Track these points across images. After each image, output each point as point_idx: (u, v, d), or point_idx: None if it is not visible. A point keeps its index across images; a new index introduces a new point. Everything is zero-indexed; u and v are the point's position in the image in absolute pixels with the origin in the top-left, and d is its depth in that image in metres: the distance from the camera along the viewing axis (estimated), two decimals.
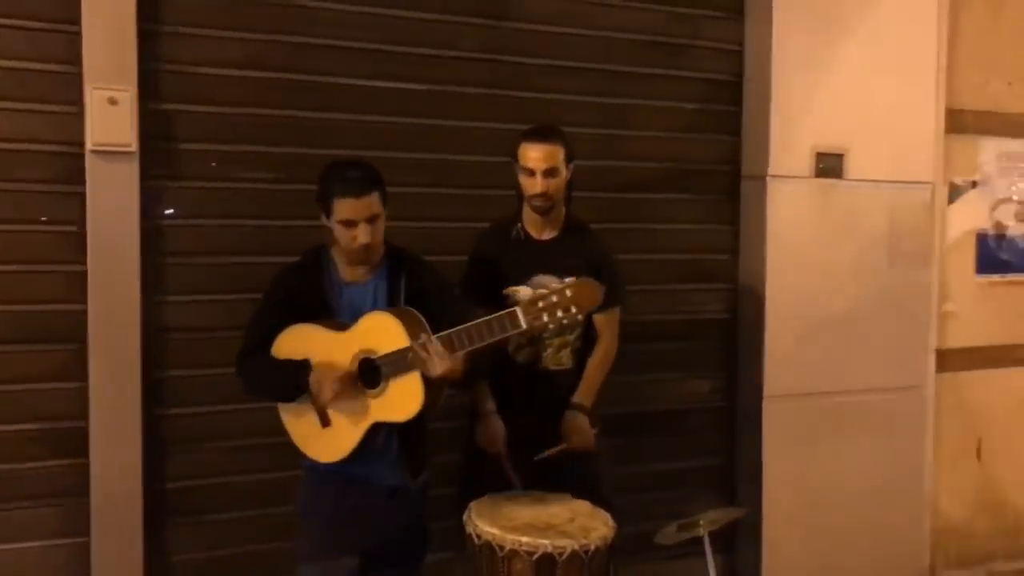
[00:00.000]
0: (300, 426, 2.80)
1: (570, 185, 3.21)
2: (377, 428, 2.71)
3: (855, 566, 4.22)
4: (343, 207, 2.63)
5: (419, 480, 2.86)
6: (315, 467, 2.79)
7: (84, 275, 3.11)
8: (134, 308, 3.16)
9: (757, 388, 4.03)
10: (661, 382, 4.06)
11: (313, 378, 2.65)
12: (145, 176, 3.17)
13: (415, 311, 2.69)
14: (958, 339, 4.41)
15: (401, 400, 2.66)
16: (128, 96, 3.09)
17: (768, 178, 3.97)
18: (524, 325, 2.53)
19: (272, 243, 3.33)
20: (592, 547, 2.67)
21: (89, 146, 3.07)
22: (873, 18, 4.10)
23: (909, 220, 4.24)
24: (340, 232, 2.67)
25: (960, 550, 4.47)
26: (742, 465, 4.16)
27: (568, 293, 2.54)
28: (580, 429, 3.12)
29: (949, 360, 4.39)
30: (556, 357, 3.16)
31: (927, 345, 4.32)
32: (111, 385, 3.14)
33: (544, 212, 3.12)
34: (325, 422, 2.74)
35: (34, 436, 3.12)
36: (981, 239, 4.45)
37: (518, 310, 2.54)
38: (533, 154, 3.06)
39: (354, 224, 2.63)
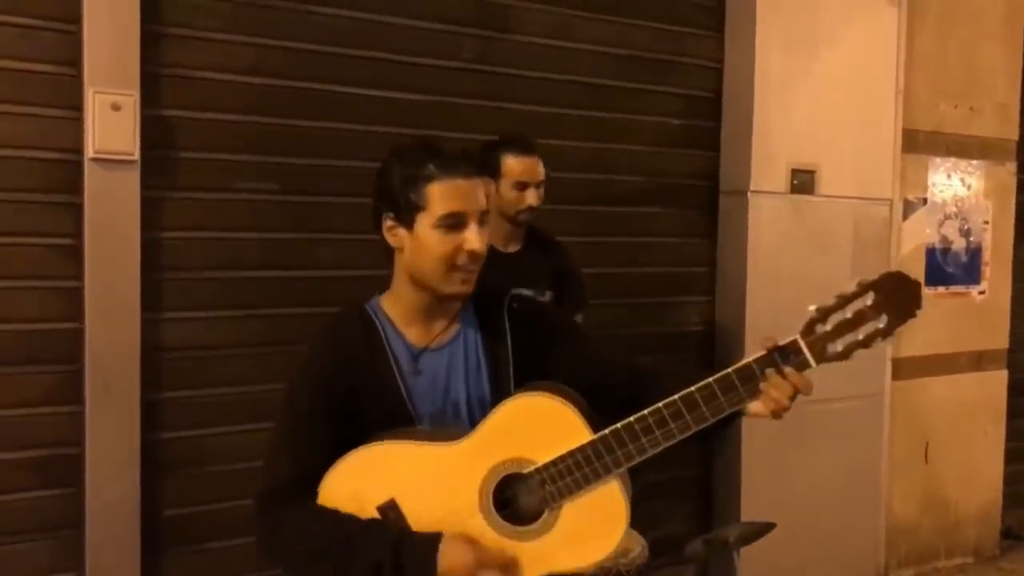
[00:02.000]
0: None
1: None
2: None
3: (818, 567, 4.37)
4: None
5: None
6: None
7: (80, 291, 2.90)
8: (134, 327, 2.97)
9: None
10: None
11: (449, 562, 1.62)
12: (145, 186, 2.98)
13: (570, 389, 1.74)
14: (909, 349, 4.62)
15: (590, 531, 1.70)
16: (131, 101, 2.90)
17: (749, 193, 4.07)
18: (813, 363, 1.66)
19: (274, 257, 3.21)
20: (633, 568, 2.68)
21: (89, 154, 2.86)
22: (843, 39, 4.25)
23: (871, 235, 4.42)
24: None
25: (909, 549, 4.70)
26: (718, 474, 4.25)
27: (869, 299, 1.64)
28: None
29: (902, 368, 4.60)
30: None
31: (885, 354, 4.52)
32: (108, 409, 2.94)
33: (526, 224, 3.11)
34: None
35: (25, 464, 2.89)
36: (930, 252, 4.68)
37: (800, 341, 1.66)
38: (525, 168, 3.04)
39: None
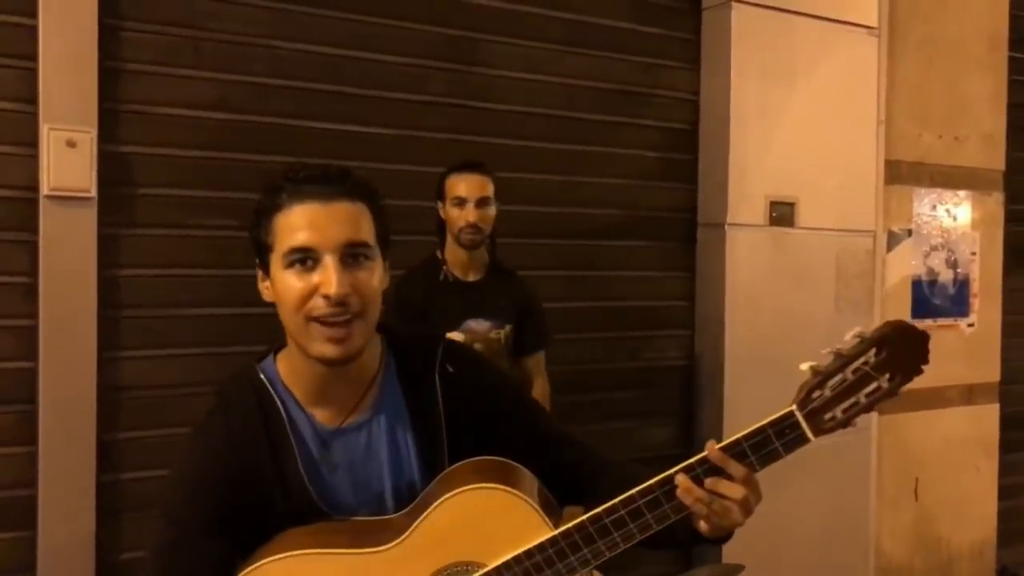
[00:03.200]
0: None
1: (494, 228, 3.14)
2: None
3: None
4: None
5: None
6: None
7: (35, 330, 2.86)
8: (89, 365, 2.93)
9: (717, 434, 4.00)
10: (617, 431, 4.03)
11: None
12: (102, 223, 2.95)
13: (514, 464, 1.46)
14: None
15: None
16: (88, 138, 2.88)
17: (727, 226, 4.01)
18: (811, 437, 1.40)
19: (235, 295, 3.16)
20: None
21: (44, 191, 2.84)
22: (821, 71, 4.21)
23: (853, 267, 4.35)
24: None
25: None
26: None
27: (872, 356, 1.39)
28: None
29: (888, 403, 4.50)
30: None
31: None
32: (63, 449, 2.89)
33: (473, 247, 3.06)
34: None
35: None
36: (916, 285, 4.61)
37: (796, 413, 1.40)
38: (464, 184, 3.03)
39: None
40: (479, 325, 3.06)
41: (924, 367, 1.41)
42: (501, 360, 3.12)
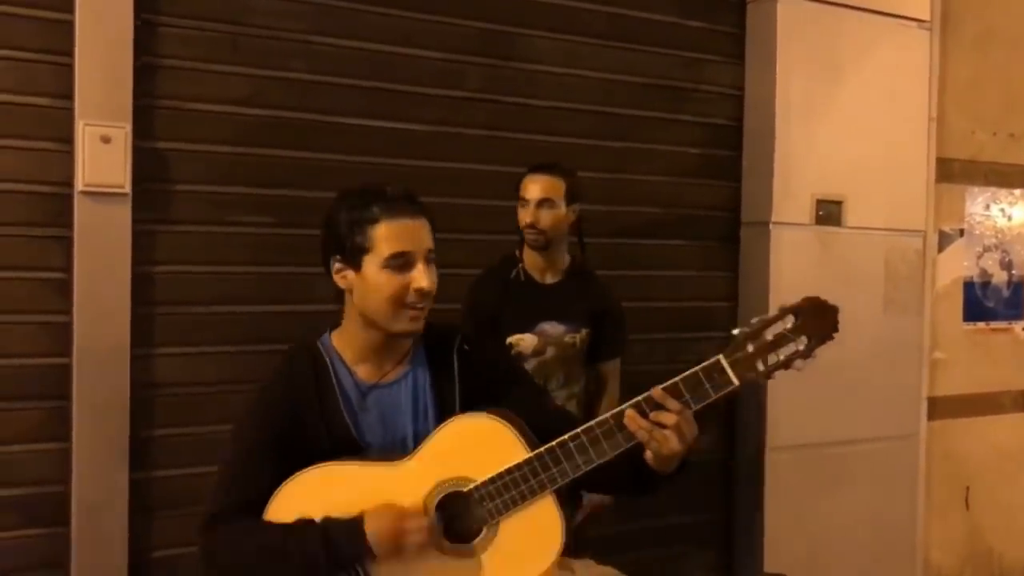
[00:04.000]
0: None
1: (578, 230, 3.11)
2: None
3: None
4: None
5: None
6: None
7: (69, 326, 2.85)
8: (123, 362, 2.91)
9: (759, 439, 3.94)
10: None
11: (374, 527, 1.68)
12: (137, 219, 2.93)
13: (505, 410, 1.81)
14: (946, 387, 4.40)
15: (527, 546, 1.76)
16: (123, 134, 2.87)
17: (771, 225, 3.91)
18: (735, 381, 1.70)
19: (270, 292, 3.14)
20: None
21: (79, 187, 2.83)
22: (870, 66, 4.09)
23: (903, 268, 4.23)
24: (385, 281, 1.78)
25: None
26: (740, 519, 4.06)
27: (789, 322, 1.70)
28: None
29: (938, 408, 4.38)
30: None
31: (920, 393, 4.30)
32: (96, 446, 2.88)
33: (536, 247, 2.99)
34: None
35: (9, 503, 2.83)
36: (968, 286, 4.47)
37: (722, 360, 1.71)
38: (530, 184, 2.97)
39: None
40: (553, 328, 2.99)
41: (835, 334, 1.73)
42: (575, 365, 3.05)
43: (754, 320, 1.73)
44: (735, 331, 1.73)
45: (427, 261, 1.79)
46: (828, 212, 4.03)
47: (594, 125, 3.78)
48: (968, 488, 4.49)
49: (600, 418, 1.72)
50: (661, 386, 1.71)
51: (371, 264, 1.77)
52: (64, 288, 2.86)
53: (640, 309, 3.89)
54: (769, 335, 1.71)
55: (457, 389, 1.85)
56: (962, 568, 4.49)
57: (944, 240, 4.39)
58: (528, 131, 3.64)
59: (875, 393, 4.16)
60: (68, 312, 2.85)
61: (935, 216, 4.35)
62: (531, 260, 3.04)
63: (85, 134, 2.81)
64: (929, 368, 4.35)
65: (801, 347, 1.71)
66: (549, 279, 3.05)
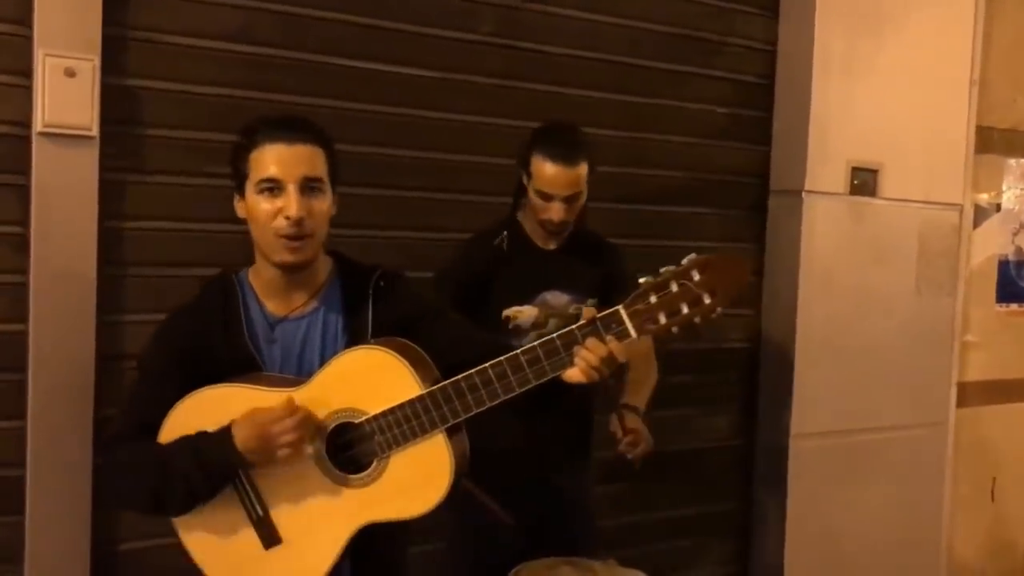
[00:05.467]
0: (223, 552, 1.84)
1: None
2: (370, 538, 1.80)
3: None
4: None
5: None
6: None
7: (25, 288, 2.53)
8: (87, 330, 2.59)
9: (783, 425, 3.66)
10: (674, 419, 3.64)
11: (242, 433, 1.72)
12: (105, 167, 2.59)
13: (410, 343, 1.80)
14: (976, 372, 4.16)
15: (414, 483, 1.77)
16: (90, 67, 2.52)
17: (804, 193, 3.61)
18: (633, 333, 1.66)
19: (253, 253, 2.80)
20: None
21: (37, 127, 2.49)
22: (912, 23, 3.79)
23: (938, 244, 3.95)
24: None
25: None
26: (761, 508, 3.80)
27: (695, 275, 1.63)
28: (645, 434, 2.64)
29: (968, 394, 4.14)
30: None
31: (950, 379, 4.05)
32: (57, 425, 2.56)
33: (557, 234, 2.66)
34: (270, 538, 1.81)
35: None
36: (1002, 265, 4.20)
37: (621, 311, 1.66)
38: (554, 178, 2.52)
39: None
40: (556, 299, 2.63)
41: (739, 292, 1.66)
42: None
43: (662, 270, 1.65)
44: (640, 278, 1.66)
45: (303, 189, 1.77)
46: (863, 181, 3.74)
47: (613, 77, 3.46)
48: (995, 479, 4.26)
49: (500, 359, 1.70)
50: (557, 332, 1.69)
51: (249, 190, 1.80)
52: (20, 244, 2.53)
53: None
54: (674, 286, 1.63)
55: (370, 325, 1.84)
56: (986, 561, 4.29)
57: (979, 215, 4.11)
58: (542, 81, 3.31)
59: (904, 378, 3.91)
60: (24, 272, 2.53)
61: (972, 189, 4.06)
62: (533, 226, 2.69)
63: (45, 66, 2.47)
64: (960, 351, 4.09)
65: (707, 301, 1.63)
66: (553, 244, 2.71)
